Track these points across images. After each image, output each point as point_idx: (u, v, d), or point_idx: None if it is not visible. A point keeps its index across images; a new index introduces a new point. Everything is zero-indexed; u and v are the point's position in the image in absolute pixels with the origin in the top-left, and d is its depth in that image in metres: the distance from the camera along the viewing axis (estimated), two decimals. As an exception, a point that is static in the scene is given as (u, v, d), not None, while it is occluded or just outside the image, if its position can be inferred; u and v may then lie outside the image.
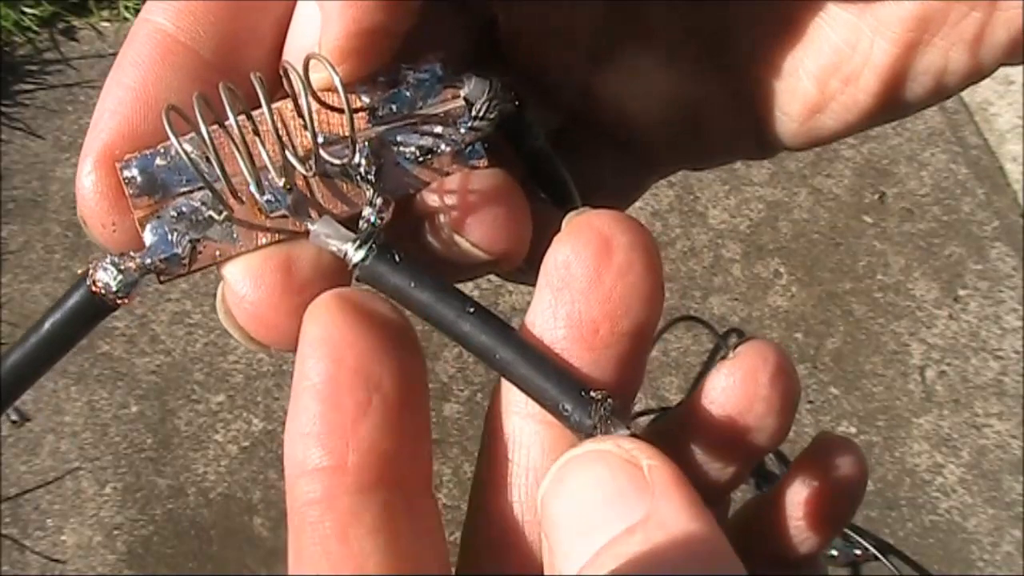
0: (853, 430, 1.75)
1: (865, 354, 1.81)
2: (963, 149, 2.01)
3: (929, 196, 1.97)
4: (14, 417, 1.67)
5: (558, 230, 0.26)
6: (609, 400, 0.24)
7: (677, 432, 0.29)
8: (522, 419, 0.26)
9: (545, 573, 0.24)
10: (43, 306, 1.78)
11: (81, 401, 1.72)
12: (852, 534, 1.60)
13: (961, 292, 1.88)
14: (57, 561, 1.61)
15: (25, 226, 1.87)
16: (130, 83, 0.26)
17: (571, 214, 0.26)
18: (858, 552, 1.61)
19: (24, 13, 2.05)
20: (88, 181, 0.26)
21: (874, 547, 1.60)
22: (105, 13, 2.10)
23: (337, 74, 0.25)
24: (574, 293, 0.25)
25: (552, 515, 0.23)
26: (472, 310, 0.25)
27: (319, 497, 0.24)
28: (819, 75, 0.30)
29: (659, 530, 0.22)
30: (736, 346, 0.28)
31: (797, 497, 0.33)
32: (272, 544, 1.61)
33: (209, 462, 1.67)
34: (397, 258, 0.26)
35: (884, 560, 1.61)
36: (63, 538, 1.62)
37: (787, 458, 1.57)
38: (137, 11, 2.05)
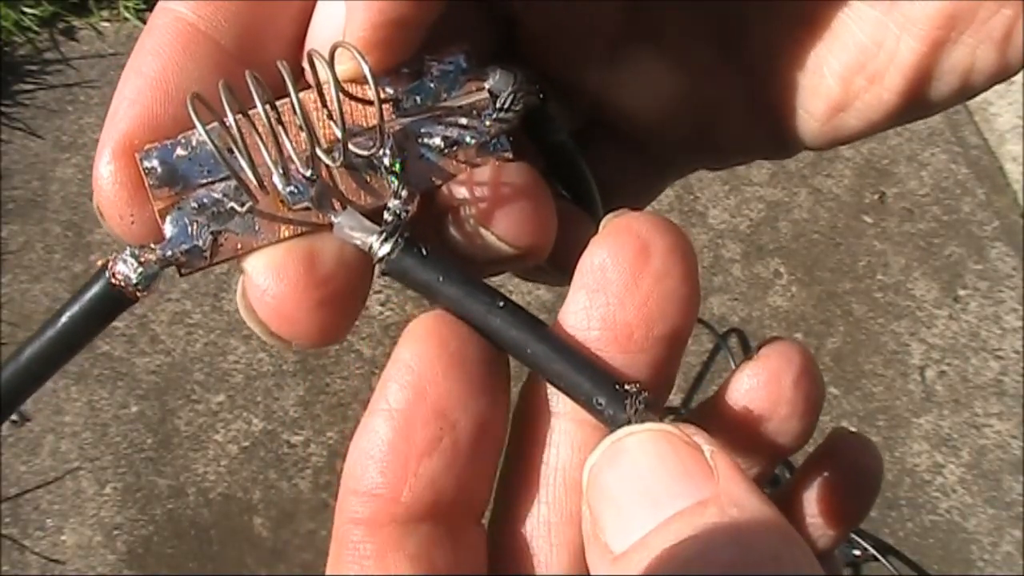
0: (853, 430, 1.74)
1: (865, 354, 1.81)
2: (963, 149, 2.01)
3: (929, 196, 1.97)
4: (14, 417, 1.66)
5: (580, 228, 0.26)
6: (644, 393, 0.24)
7: None
8: (553, 419, 0.26)
9: (587, 544, 0.24)
10: (43, 306, 1.78)
11: (81, 401, 1.71)
12: (852, 534, 1.60)
13: (961, 292, 1.88)
14: (57, 561, 1.60)
15: (25, 226, 1.86)
16: (150, 72, 0.25)
17: (609, 215, 0.26)
18: (858, 552, 1.60)
19: (24, 13, 2.04)
20: (106, 171, 0.25)
21: (874, 547, 1.60)
22: (105, 13, 2.09)
23: (367, 63, 0.24)
24: (609, 296, 0.24)
25: (605, 486, 0.23)
26: (502, 304, 0.25)
27: (365, 518, 0.24)
28: (843, 73, 0.30)
29: (733, 507, 0.22)
30: (760, 346, 0.28)
31: (812, 493, 0.32)
32: (272, 544, 1.61)
33: (209, 462, 1.67)
34: (424, 252, 0.25)
35: (883, 560, 1.60)
36: (63, 538, 1.62)
37: (790, 461, 1.56)
38: (137, 11, 2.05)
